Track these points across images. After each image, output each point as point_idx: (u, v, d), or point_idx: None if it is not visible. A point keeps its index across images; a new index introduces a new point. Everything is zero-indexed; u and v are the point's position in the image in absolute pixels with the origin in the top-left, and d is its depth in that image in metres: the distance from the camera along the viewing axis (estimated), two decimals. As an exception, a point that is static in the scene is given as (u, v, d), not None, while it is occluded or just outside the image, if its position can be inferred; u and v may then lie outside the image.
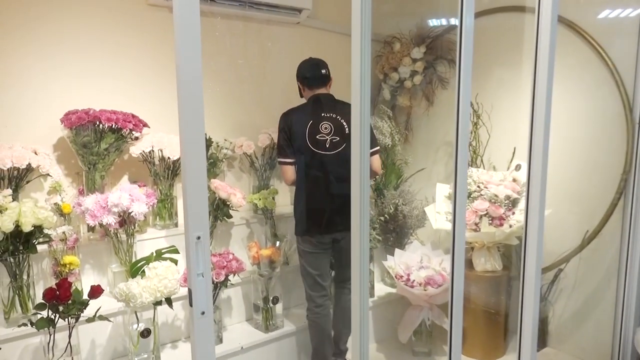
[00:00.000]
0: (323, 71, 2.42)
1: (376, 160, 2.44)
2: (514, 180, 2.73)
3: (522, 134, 2.89)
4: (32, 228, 2.01)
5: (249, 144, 2.84)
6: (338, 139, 2.35)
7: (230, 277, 2.38)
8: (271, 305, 2.55)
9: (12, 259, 2.04)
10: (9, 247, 2.02)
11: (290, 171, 2.41)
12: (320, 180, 2.37)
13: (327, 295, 2.48)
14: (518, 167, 2.78)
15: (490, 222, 2.63)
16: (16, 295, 2.09)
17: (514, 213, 2.64)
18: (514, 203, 2.66)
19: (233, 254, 2.43)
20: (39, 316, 1.91)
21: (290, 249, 2.81)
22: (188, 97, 1.06)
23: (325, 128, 2.34)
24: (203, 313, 1.13)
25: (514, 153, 2.89)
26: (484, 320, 2.74)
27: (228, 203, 2.55)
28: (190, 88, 1.05)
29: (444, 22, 3.26)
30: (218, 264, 2.31)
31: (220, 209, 2.55)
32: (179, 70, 1.04)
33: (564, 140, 2.70)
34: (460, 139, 1.62)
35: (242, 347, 2.41)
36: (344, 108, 2.39)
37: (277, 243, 2.61)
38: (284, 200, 3.24)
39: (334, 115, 2.37)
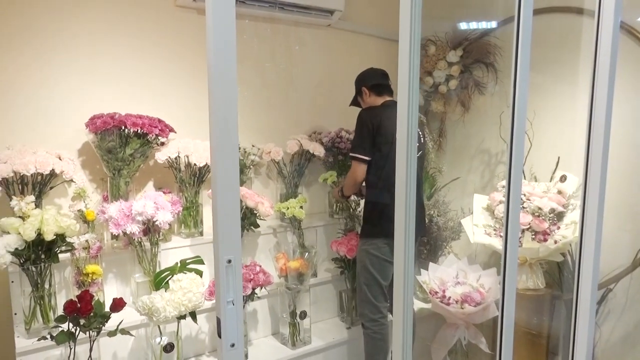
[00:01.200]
0: (389, 81, 2.46)
1: (354, 167, 2.34)
2: (559, 192, 2.54)
3: (567, 143, 2.71)
4: (55, 236, 1.93)
5: (277, 150, 2.73)
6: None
7: (257, 290, 2.27)
8: (298, 320, 2.42)
9: (33, 268, 1.97)
10: (31, 256, 1.95)
11: (363, 169, 2.30)
12: (387, 184, 2.25)
13: (389, 308, 2.35)
14: (563, 179, 2.59)
15: (534, 236, 2.45)
16: (37, 305, 2.01)
17: (559, 228, 2.46)
18: (559, 217, 2.48)
19: (260, 266, 2.31)
20: (59, 329, 1.82)
21: (317, 260, 2.69)
22: (221, 104, 0.94)
23: None
24: (233, 345, 1.00)
25: (557, 163, 2.70)
26: (524, 342, 2.55)
27: (255, 212, 2.43)
28: (224, 95, 0.93)
29: (482, 24, 3.10)
30: (245, 276, 2.20)
31: (247, 218, 2.44)
32: (212, 74, 0.92)
33: (618, 153, 2.50)
34: (515, 147, 1.47)
35: (268, 364, 2.29)
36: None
37: (306, 255, 2.49)
38: (312, 209, 3.12)
39: None
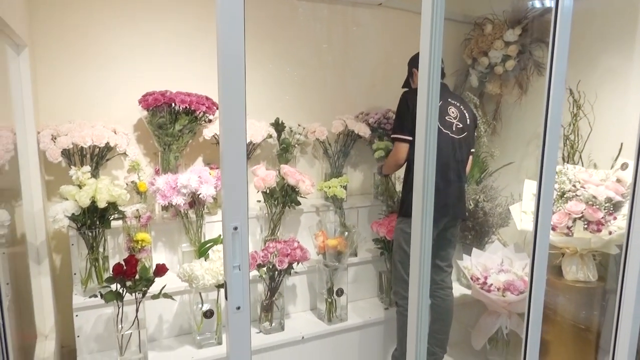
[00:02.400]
0: (442, 62, 2.37)
1: (397, 148, 2.30)
2: (618, 180, 2.37)
3: (631, 128, 2.50)
4: (107, 204, 2.08)
5: (322, 130, 2.74)
6: (461, 125, 2.33)
7: (294, 265, 2.32)
8: (335, 297, 2.46)
9: (89, 233, 2.14)
10: (87, 221, 2.11)
11: (405, 149, 2.30)
12: (443, 162, 2.23)
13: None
14: (624, 166, 2.41)
15: (586, 226, 2.31)
16: (92, 267, 2.19)
17: (615, 218, 2.30)
18: (616, 207, 2.31)
19: (298, 242, 2.36)
20: (108, 289, 1.98)
21: (358, 240, 2.70)
22: (228, 83, 0.97)
23: (453, 112, 2.32)
24: (239, 308, 1.05)
25: (620, 150, 2.51)
26: (571, 336, 2.43)
27: (296, 189, 2.48)
28: (230, 74, 0.96)
29: (544, 1, 2.91)
30: (282, 251, 2.26)
31: (288, 195, 2.49)
32: (220, 53, 0.95)
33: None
34: (549, 126, 1.40)
35: (302, 337, 2.35)
36: (462, 99, 2.50)
37: (346, 234, 2.50)
38: (357, 190, 3.13)
39: (457, 104, 2.37)
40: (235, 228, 1.02)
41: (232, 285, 1.03)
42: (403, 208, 2.34)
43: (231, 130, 0.99)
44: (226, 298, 1.05)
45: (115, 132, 2.31)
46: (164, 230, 2.42)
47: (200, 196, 2.23)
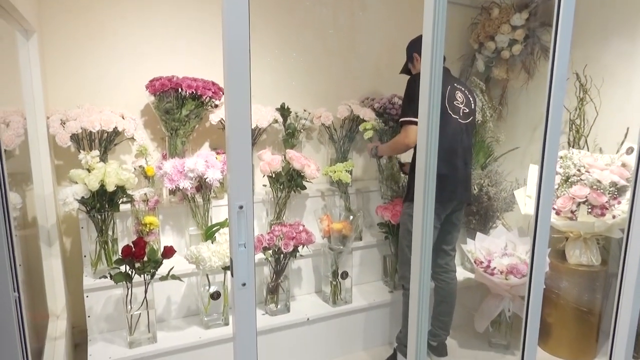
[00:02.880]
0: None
1: (407, 131, 2.27)
2: (624, 165, 2.37)
3: (637, 113, 2.50)
4: (115, 188, 2.12)
5: (327, 115, 2.76)
6: (468, 110, 2.33)
7: (300, 248, 2.36)
8: (340, 279, 2.50)
9: (98, 216, 2.18)
10: (96, 205, 2.16)
11: (415, 132, 2.28)
12: (451, 147, 2.25)
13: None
14: (630, 151, 2.41)
15: (590, 210, 2.32)
16: (102, 249, 2.24)
17: (619, 202, 2.31)
18: (620, 191, 2.32)
19: (304, 226, 2.40)
20: (117, 270, 2.03)
21: (363, 224, 2.73)
22: (233, 66, 0.99)
23: (460, 96, 2.32)
24: (244, 284, 1.09)
25: (626, 134, 2.51)
26: (574, 318, 2.46)
27: (302, 174, 2.51)
28: (236, 58, 0.99)
29: (552, -17, 2.89)
30: (287, 234, 2.30)
31: (294, 179, 2.52)
32: (225, 38, 0.98)
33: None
34: (552, 110, 1.41)
35: (308, 319, 2.40)
36: (466, 84, 2.52)
37: (350, 218, 2.54)
38: (363, 175, 3.15)
39: (462, 88, 2.37)
40: (241, 207, 1.05)
41: (237, 262, 1.07)
42: (410, 193, 2.36)
43: (236, 111, 1.02)
44: (232, 275, 1.09)
45: (123, 117, 2.34)
46: (171, 214, 2.46)
47: (207, 180, 2.27)
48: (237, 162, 1.04)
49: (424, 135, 1.33)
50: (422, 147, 1.34)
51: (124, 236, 2.37)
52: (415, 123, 2.26)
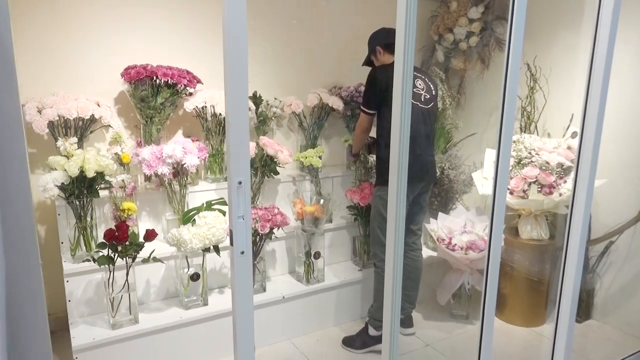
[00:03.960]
0: None
1: (361, 119, 2.53)
2: (569, 147, 2.64)
3: (581, 100, 2.78)
4: (95, 174, 2.19)
5: (298, 103, 2.90)
6: (429, 96, 2.50)
7: (275, 230, 2.50)
8: (313, 259, 2.66)
9: (77, 202, 2.25)
10: (75, 191, 2.22)
11: (367, 120, 2.52)
12: (414, 131, 2.42)
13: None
14: (574, 135, 2.68)
15: (540, 189, 2.58)
16: (81, 235, 2.30)
17: (565, 182, 2.58)
18: (566, 171, 2.59)
19: (278, 209, 2.53)
20: (100, 254, 2.11)
21: (333, 207, 2.90)
22: (233, 51, 1.12)
23: (420, 84, 2.49)
24: (242, 252, 1.22)
25: (571, 120, 2.79)
26: (526, 288, 2.73)
27: (275, 160, 2.64)
28: (235, 42, 1.11)
29: (505, -20, 3.13)
30: (264, 217, 2.43)
31: (267, 165, 2.65)
32: (225, 27, 1.10)
33: (624, 110, 2.57)
34: (507, 97, 1.61)
35: (283, 297, 2.55)
36: (425, 72, 2.72)
37: (322, 201, 2.69)
38: (330, 161, 3.31)
39: (422, 76, 2.54)
40: (240, 182, 1.18)
41: (237, 232, 1.20)
42: (379, 178, 2.54)
43: (235, 98, 1.15)
44: (232, 244, 1.22)
45: (98, 105, 2.40)
46: (147, 200, 2.54)
47: (184, 166, 2.37)
48: (236, 142, 1.17)
49: (397, 124, 1.49)
50: (396, 136, 1.50)
51: (101, 222, 2.43)
52: (368, 113, 2.48)
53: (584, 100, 1.87)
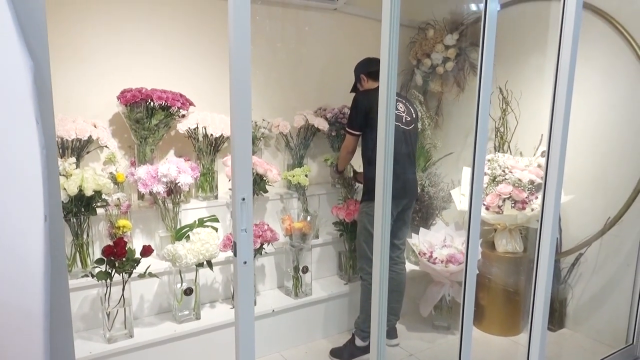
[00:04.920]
0: None
1: (347, 140, 2.73)
2: (539, 166, 2.85)
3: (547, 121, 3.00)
4: (93, 193, 2.29)
5: (285, 124, 3.06)
6: (409, 118, 2.70)
7: (265, 245, 2.62)
8: (301, 274, 2.78)
9: (74, 220, 2.34)
10: (73, 209, 2.32)
11: (353, 141, 2.72)
12: (397, 150, 2.57)
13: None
14: (544, 154, 2.89)
15: (513, 205, 2.77)
16: (77, 252, 2.39)
17: (536, 197, 2.77)
18: (537, 188, 2.79)
19: (268, 225, 2.66)
20: (98, 269, 2.20)
21: (319, 224, 3.04)
22: (238, 79, 1.27)
23: (400, 107, 2.68)
24: (245, 262, 1.35)
25: (541, 139, 3.00)
26: (502, 299, 2.90)
27: (265, 178, 2.78)
28: (240, 72, 1.27)
29: (477, 8, 3.37)
30: (254, 233, 2.55)
31: (257, 183, 2.79)
32: (232, 57, 1.25)
33: (590, 127, 2.80)
34: (480, 117, 1.79)
35: (273, 310, 2.66)
36: (405, 96, 2.95)
37: (309, 218, 2.83)
38: (316, 179, 3.46)
39: (403, 100, 2.75)
40: (243, 199, 1.32)
41: (240, 244, 1.34)
42: (365, 195, 2.69)
43: (240, 122, 1.29)
44: (235, 255, 1.35)
45: (95, 126, 2.51)
46: (141, 218, 2.64)
47: (178, 184, 2.48)
48: (240, 161, 1.31)
49: (382, 144, 1.65)
50: (381, 155, 1.66)
51: (96, 240, 2.52)
52: (353, 134, 2.67)
53: (549, 119, 2.06)
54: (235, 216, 1.33)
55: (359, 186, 3.07)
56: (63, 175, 2.31)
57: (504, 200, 2.79)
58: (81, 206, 2.33)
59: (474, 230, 1.94)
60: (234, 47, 1.25)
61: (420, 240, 2.96)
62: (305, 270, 2.80)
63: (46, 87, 1.02)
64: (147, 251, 2.26)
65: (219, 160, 2.89)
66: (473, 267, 1.99)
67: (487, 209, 2.82)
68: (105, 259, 2.18)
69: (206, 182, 2.87)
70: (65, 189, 2.24)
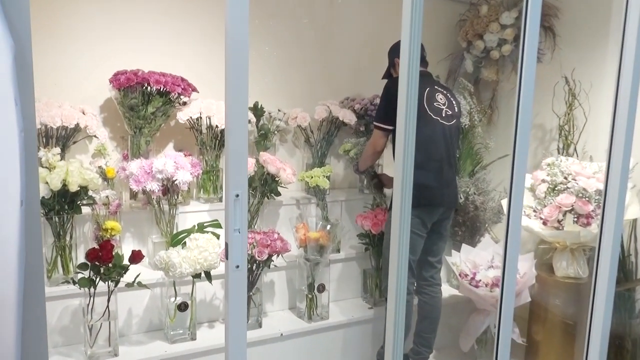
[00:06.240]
0: (425, 52, 2.87)
1: (375, 136, 2.80)
2: (611, 173, 2.89)
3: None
4: (78, 188, 2.49)
5: (304, 116, 3.20)
6: (451, 112, 2.80)
7: (274, 257, 2.77)
8: (316, 293, 2.91)
9: (57, 218, 2.55)
10: (55, 206, 2.52)
11: (382, 137, 2.81)
12: (434, 149, 2.70)
13: (414, 283, 2.82)
14: (617, 158, 2.94)
15: (576, 220, 2.82)
16: (59, 256, 2.59)
17: (606, 211, 2.82)
18: (607, 200, 2.84)
19: (278, 234, 2.81)
20: (80, 275, 2.39)
21: (341, 235, 3.17)
22: (234, 58, 1.42)
23: (441, 98, 2.79)
24: (238, 267, 1.50)
25: (615, 142, 3.04)
26: (561, 334, 2.94)
27: (277, 179, 2.93)
28: (236, 50, 1.41)
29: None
30: (261, 242, 2.70)
31: (268, 184, 2.94)
32: (228, 33, 1.40)
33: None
34: (521, 114, 1.88)
35: (281, 334, 2.80)
36: (447, 87, 3.03)
37: (328, 227, 2.96)
38: (341, 183, 3.59)
39: (444, 91, 2.86)
40: (237, 195, 1.46)
41: (232, 245, 1.48)
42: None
43: (235, 108, 1.44)
44: (227, 258, 1.50)
45: (84, 113, 2.72)
46: (132, 220, 2.83)
47: (175, 182, 2.66)
48: (234, 153, 1.45)
49: (401, 141, 1.76)
50: (400, 153, 1.77)
51: (81, 243, 2.72)
52: (384, 129, 2.75)
53: (612, 115, 2.13)
54: (228, 214, 1.48)
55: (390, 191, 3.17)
56: (46, 167, 2.52)
57: (564, 213, 2.84)
58: (65, 203, 2.53)
59: (513, 244, 2.02)
60: (229, 21, 1.40)
61: (462, 259, 3.04)
62: (322, 289, 2.92)
63: (27, 68, 1.19)
64: (137, 257, 2.44)
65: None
66: (511, 290, 2.07)
67: (544, 223, 2.89)
68: (89, 264, 2.36)
69: (209, 182, 3.04)
70: (47, 182, 2.44)
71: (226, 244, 1.50)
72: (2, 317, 1.03)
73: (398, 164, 1.78)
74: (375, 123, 2.82)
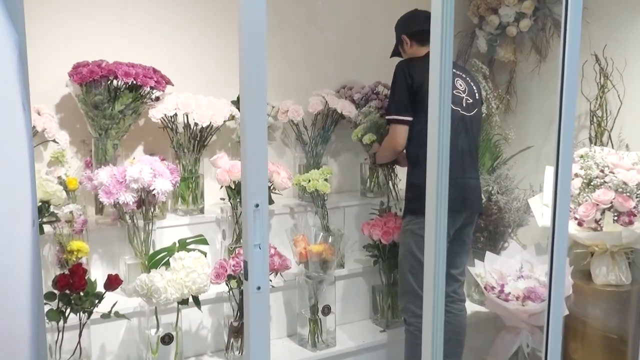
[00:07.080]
0: None
1: (394, 132, 2.81)
2: (654, 163, 2.99)
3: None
4: (40, 203, 2.49)
5: (297, 109, 3.23)
6: (471, 100, 2.82)
7: (272, 277, 2.79)
8: (321, 316, 2.94)
9: (14, 241, 2.53)
10: (12, 226, 2.51)
11: (404, 133, 2.79)
12: (455, 146, 2.71)
13: None
14: (659, 147, 3.04)
15: (616, 218, 2.91)
16: (17, 286, 2.58)
17: (650, 208, 2.92)
18: (651, 195, 2.93)
19: (275, 248, 2.84)
20: (48, 307, 2.39)
21: (345, 247, 3.21)
22: (250, 52, 1.45)
23: (460, 84, 2.81)
24: (259, 288, 1.53)
25: (655, 127, 3.15)
26: (603, 350, 3.03)
27: (270, 184, 2.95)
28: (252, 43, 1.45)
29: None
30: (256, 258, 2.73)
31: (258, 191, 2.96)
32: (242, 20, 1.44)
33: None
34: (565, 98, 1.95)
35: (283, 367, 2.84)
36: (466, 69, 3.04)
37: (330, 238, 2.99)
38: (340, 186, 3.62)
39: (463, 75, 2.88)
40: (257, 205, 1.49)
41: (253, 264, 1.51)
42: (410, 206, 2.83)
43: (252, 106, 1.47)
44: (246, 278, 1.52)
45: (39, 114, 2.71)
46: (100, 239, 2.83)
47: (153, 192, 2.67)
48: (252, 157, 1.49)
49: (435, 139, 1.81)
50: (434, 148, 1.82)
51: (41, 269, 2.70)
52: (403, 122, 2.78)
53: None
54: (247, 228, 1.51)
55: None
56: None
57: (603, 211, 2.93)
58: (23, 222, 2.52)
59: (560, 253, 2.08)
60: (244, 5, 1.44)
61: (487, 269, 3.11)
62: (327, 311, 2.96)
63: (24, 66, 1.20)
64: (113, 282, 2.44)
65: (205, 159, 3.08)
66: (559, 304, 2.14)
67: (579, 224, 2.96)
68: (58, 293, 2.36)
69: (188, 190, 3.05)
70: None
71: (244, 262, 1.53)
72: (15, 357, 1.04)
73: (432, 165, 1.82)
74: (392, 116, 2.80)
